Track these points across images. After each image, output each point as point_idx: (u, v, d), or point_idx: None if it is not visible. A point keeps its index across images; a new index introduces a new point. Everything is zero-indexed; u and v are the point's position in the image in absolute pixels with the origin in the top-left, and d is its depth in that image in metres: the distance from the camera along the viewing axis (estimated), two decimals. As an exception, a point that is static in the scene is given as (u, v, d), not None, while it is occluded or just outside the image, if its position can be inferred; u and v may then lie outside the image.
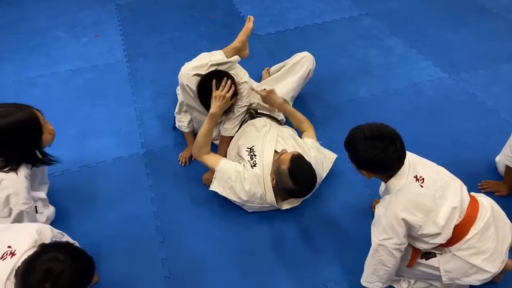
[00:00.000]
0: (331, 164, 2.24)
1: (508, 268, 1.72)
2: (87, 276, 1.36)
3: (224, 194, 2.04)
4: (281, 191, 1.97)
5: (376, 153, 1.44)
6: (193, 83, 2.14)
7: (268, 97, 2.27)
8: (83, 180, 2.34)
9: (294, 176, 1.85)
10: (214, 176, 2.06)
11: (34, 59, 3.35)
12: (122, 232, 2.08)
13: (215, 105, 2.05)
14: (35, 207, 1.89)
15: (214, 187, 2.06)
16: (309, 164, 1.94)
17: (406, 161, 1.53)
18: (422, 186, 1.51)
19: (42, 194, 1.97)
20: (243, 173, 1.99)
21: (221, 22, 3.74)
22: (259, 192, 1.99)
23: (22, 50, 3.45)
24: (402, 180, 1.51)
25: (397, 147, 1.45)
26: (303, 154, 1.99)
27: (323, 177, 2.19)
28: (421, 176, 1.53)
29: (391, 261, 1.57)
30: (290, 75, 2.53)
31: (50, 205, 2.06)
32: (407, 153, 1.58)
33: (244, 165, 2.04)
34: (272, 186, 1.98)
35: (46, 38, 3.59)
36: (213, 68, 2.14)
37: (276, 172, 1.91)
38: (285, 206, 2.08)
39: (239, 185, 1.99)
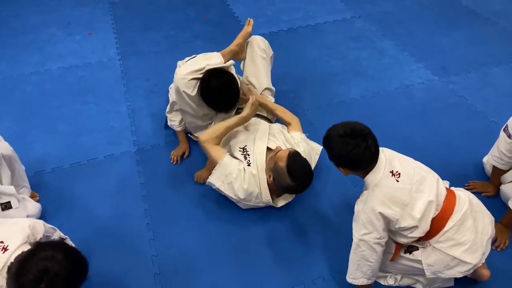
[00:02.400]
0: (317, 156, 2.27)
1: (484, 278, 1.75)
2: (81, 278, 1.37)
3: (221, 188, 2.02)
4: (276, 188, 1.99)
5: (348, 149, 1.49)
6: (190, 88, 2.14)
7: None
8: (74, 177, 2.34)
9: (292, 172, 1.87)
10: (215, 168, 2.03)
11: (27, 55, 3.34)
12: (112, 229, 2.08)
13: (251, 110, 2.14)
14: (9, 202, 1.86)
15: (213, 179, 2.04)
16: (305, 160, 1.97)
17: (382, 156, 1.57)
18: (398, 181, 1.55)
19: (11, 189, 1.90)
20: (244, 173, 2.00)
21: (215, 22, 3.75)
22: (256, 191, 2.00)
23: (15, 46, 3.44)
24: (379, 175, 1.55)
25: (368, 143, 1.49)
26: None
27: (312, 169, 2.21)
28: (397, 171, 1.56)
29: (373, 256, 1.60)
30: (253, 64, 2.46)
31: (34, 202, 2.06)
32: (385, 149, 1.63)
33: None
34: (268, 184, 1.99)
35: (40, 35, 3.58)
36: None
37: (273, 170, 1.93)
38: (280, 203, 2.10)
39: (239, 183, 1.99)
